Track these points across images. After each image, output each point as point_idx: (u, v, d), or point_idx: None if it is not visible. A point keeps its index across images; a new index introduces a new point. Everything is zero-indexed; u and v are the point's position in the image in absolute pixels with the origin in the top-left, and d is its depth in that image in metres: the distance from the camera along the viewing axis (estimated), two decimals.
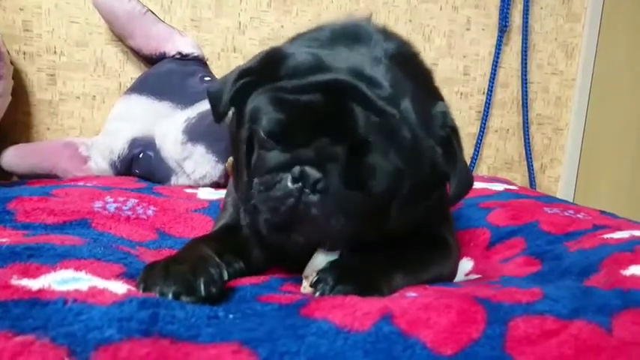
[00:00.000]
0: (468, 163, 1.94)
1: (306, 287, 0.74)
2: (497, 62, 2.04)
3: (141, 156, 1.57)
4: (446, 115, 0.80)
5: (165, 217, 1.09)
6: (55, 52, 1.74)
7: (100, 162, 1.59)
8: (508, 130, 2.13)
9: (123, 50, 1.78)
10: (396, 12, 1.97)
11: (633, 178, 1.88)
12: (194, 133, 1.52)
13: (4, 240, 0.76)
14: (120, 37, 1.74)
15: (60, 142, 1.62)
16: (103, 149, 1.59)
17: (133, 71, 1.80)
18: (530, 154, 2.11)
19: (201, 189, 1.47)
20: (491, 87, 2.05)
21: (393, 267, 0.79)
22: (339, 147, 0.70)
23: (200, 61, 1.73)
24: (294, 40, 0.87)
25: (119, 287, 0.61)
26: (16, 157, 1.56)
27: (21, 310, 0.52)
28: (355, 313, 0.58)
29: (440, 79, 0.94)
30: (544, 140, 2.17)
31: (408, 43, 0.88)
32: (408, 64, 0.82)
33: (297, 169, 0.70)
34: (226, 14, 1.85)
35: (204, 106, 1.52)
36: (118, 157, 1.58)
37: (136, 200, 1.12)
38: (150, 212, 1.09)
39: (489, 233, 1.11)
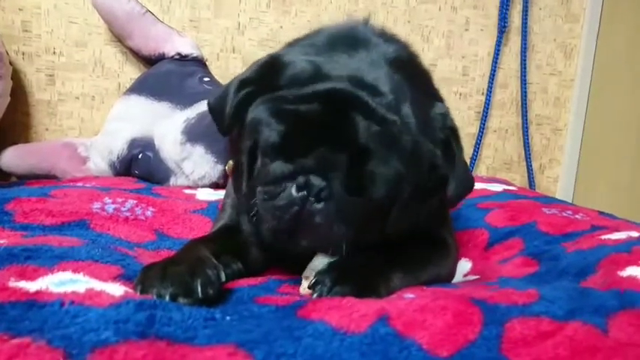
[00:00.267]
0: (468, 163, 1.94)
1: (305, 288, 0.74)
2: (496, 63, 2.04)
3: (140, 156, 1.57)
4: (445, 116, 0.80)
5: (163, 218, 1.09)
6: (54, 53, 1.74)
7: (99, 162, 1.59)
8: (507, 130, 2.13)
9: (122, 51, 1.78)
10: (395, 12, 1.97)
11: (632, 178, 1.88)
12: (193, 134, 1.52)
13: (2, 241, 0.76)
14: (119, 38, 1.75)
15: (59, 143, 1.63)
16: (102, 150, 1.59)
17: (132, 72, 1.80)
18: (530, 154, 2.11)
19: (200, 190, 1.47)
20: (491, 87, 2.06)
21: (391, 268, 0.79)
22: (340, 156, 0.71)
23: (199, 62, 1.73)
24: (291, 45, 0.87)
25: (116, 289, 0.61)
26: (14, 158, 1.56)
27: (18, 313, 0.52)
28: (352, 314, 0.58)
29: (439, 79, 0.94)
30: (543, 141, 2.17)
31: (407, 45, 0.88)
32: (407, 67, 0.82)
33: (301, 178, 0.72)
34: (225, 15, 1.85)
35: (204, 106, 1.51)
36: (117, 158, 1.58)
37: (135, 201, 1.12)
38: (148, 213, 1.09)
39: (488, 234, 1.11)
